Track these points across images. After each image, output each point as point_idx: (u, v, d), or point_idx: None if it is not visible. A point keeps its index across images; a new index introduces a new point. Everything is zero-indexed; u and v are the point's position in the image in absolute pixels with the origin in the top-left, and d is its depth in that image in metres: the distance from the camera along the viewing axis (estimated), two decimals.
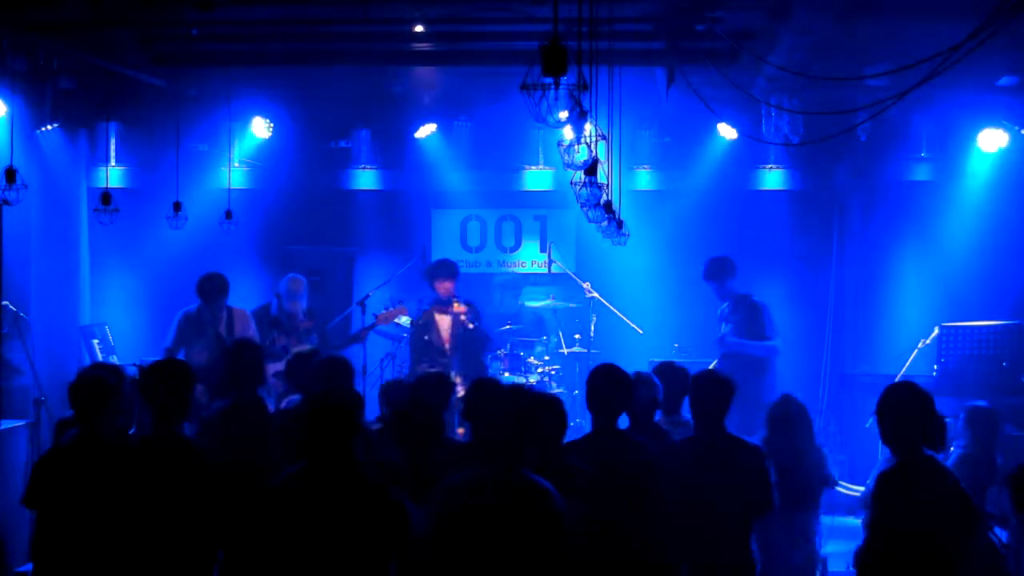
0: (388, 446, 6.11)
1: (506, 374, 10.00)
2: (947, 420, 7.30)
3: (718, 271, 9.77)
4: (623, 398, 5.78)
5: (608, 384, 5.75)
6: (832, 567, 7.10)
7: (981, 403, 7.26)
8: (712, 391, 5.83)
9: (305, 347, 9.15)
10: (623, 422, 6.07)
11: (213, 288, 9.28)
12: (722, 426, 5.81)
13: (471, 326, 10.02)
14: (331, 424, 4.59)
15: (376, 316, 10.11)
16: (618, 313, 10.65)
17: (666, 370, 6.78)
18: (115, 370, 6.47)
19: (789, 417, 6.65)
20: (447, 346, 10.05)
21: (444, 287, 10.13)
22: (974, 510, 5.12)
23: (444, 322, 10.11)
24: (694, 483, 5.64)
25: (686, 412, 6.83)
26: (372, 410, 7.06)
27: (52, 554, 5.68)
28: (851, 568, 6.72)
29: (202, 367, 9.02)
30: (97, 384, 5.81)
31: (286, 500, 4.58)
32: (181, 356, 9.42)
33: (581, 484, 4.88)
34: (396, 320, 10.51)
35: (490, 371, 10.03)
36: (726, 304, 9.74)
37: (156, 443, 5.25)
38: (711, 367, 8.58)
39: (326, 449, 4.59)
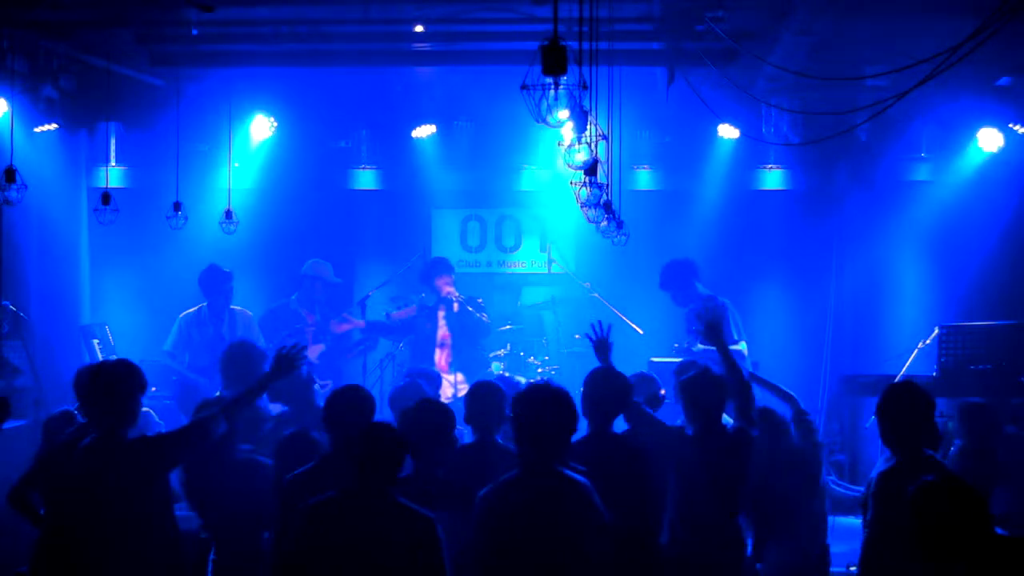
0: None
1: (506, 375, 9.99)
2: (947, 421, 7.33)
3: (675, 279, 9.58)
4: (619, 402, 5.81)
5: (604, 388, 5.79)
6: (832, 567, 7.10)
7: (974, 399, 7.25)
8: (705, 390, 5.90)
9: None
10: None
11: (213, 279, 9.40)
12: (715, 424, 5.90)
13: (459, 300, 10.12)
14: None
15: (389, 315, 10.38)
16: (618, 313, 10.65)
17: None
18: None
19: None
20: (447, 341, 10.12)
21: (446, 287, 10.21)
22: None
23: (442, 314, 10.22)
24: (692, 475, 5.77)
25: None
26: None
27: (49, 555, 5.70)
28: (851, 568, 6.76)
29: (205, 369, 9.06)
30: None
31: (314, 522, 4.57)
32: (184, 358, 9.46)
33: None
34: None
35: (489, 371, 10.04)
36: (690, 308, 9.60)
37: (96, 446, 5.28)
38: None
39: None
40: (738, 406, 5.97)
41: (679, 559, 5.76)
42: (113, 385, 5.31)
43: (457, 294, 10.28)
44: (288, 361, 5.84)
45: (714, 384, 5.91)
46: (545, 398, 4.81)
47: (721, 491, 5.77)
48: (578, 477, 4.73)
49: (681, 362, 7.14)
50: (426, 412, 5.49)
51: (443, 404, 5.66)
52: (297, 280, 10.46)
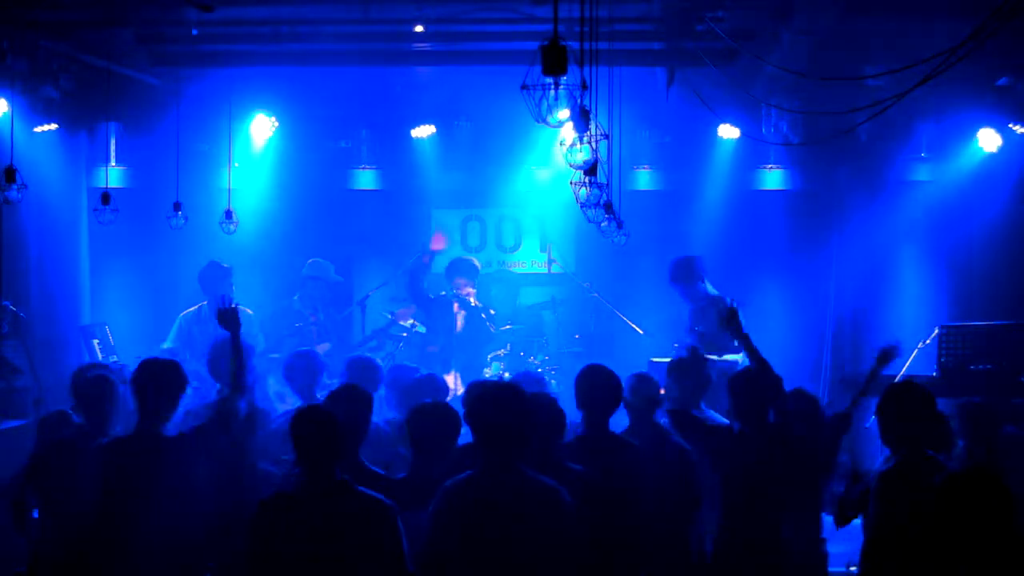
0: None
1: (506, 374, 10.00)
2: (948, 421, 7.32)
3: (685, 273, 9.41)
4: (612, 399, 5.81)
5: (597, 385, 5.79)
6: (832, 567, 7.09)
7: (974, 399, 7.25)
8: (751, 388, 5.95)
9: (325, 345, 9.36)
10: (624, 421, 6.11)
11: (212, 275, 9.42)
12: (766, 420, 5.91)
13: (476, 306, 10.11)
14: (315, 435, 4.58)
15: (393, 314, 10.37)
16: (618, 313, 10.65)
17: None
18: (107, 369, 6.52)
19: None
20: (458, 330, 10.13)
21: (465, 287, 10.18)
22: None
23: (460, 312, 10.21)
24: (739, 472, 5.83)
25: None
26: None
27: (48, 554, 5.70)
28: (851, 568, 6.75)
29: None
30: (109, 383, 5.86)
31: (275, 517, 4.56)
32: (184, 357, 9.47)
33: (573, 485, 4.87)
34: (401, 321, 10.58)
35: (490, 372, 10.04)
36: (691, 308, 9.55)
37: (136, 442, 5.28)
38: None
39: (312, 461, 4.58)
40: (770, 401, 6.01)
41: (726, 558, 5.80)
42: (161, 383, 5.40)
43: (475, 299, 10.24)
44: (226, 315, 5.86)
45: (762, 381, 5.95)
46: (497, 397, 4.79)
47: (769, 487, 5.77)
48: (543, 479, 4.69)
49: (674, 359, 7.12)
50: (437, 414, 5.49)
51: (453, 409, 5.65)
52: (297, 280, 10.47)
